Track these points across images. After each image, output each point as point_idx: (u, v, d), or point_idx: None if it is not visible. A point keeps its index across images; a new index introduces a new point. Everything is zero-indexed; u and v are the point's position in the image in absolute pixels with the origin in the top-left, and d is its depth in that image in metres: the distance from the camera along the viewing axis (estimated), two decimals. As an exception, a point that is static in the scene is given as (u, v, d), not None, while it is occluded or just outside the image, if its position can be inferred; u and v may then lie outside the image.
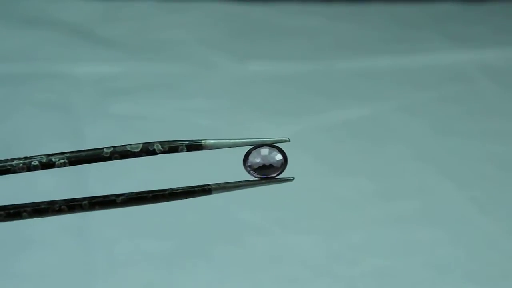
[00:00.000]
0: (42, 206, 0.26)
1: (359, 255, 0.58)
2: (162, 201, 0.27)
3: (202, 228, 0.60)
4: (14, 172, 0.26)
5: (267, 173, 0.26)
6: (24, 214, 0.26)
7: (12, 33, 0.88)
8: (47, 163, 0.26)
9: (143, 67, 0.84)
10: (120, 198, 0.26)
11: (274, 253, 0.58)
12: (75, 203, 0.26)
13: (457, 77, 0.85)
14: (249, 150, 0.26)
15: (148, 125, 0.74)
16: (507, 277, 0.57)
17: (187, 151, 0.26)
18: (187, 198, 0.27)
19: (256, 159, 0.26)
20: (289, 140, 0.26)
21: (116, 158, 0.26)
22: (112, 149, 0.26)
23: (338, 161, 0.70)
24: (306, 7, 0.99)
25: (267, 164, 0.26)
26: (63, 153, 0.26)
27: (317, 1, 1.00)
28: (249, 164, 0.26)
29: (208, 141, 0.26)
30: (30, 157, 0.26)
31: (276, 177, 0.26)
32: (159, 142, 0.26)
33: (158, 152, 0.26)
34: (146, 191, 0.26)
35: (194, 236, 0.59)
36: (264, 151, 0.26)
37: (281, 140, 0.26)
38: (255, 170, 0.26)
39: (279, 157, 0.26)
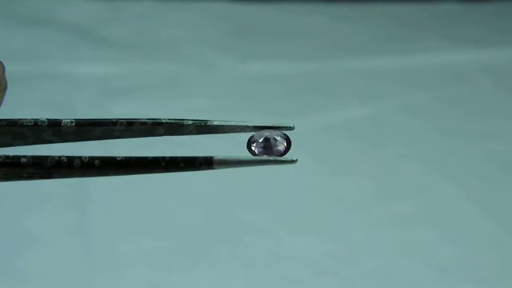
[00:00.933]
0: (41, 156, 0.26)
1: (359, 255, 0.58)
2: (161, 169, 0.26)
3: (202, 228, 0.60)
4: (22, 125, 0.26)
5: (271, 150, 0.26)
6: (23, 160, 0.25)
7: (14, 33, 0.88)
8: (54, 122, 0.26)
9: (144, 67, 0.84)
10: (121, 157, 0.26)
11: (274, 252, 0.58)
12: (75, 156, 0.26)
13: (457, 77, 0.85)
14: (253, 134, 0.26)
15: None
16: (507, 277, 0.57)
17: (194, 129, 0.26)
18: (188, 169, 0.26)
19: (260, 136, 0.26)
20: (294, 128, 0.26)
21: (122, 125, 0.26)
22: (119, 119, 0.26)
23: (338, 161, 0.70)
24: (306, 7, 0.99)
25: (271, 137, 0.26)
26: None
27: (318, 1, 1.00)
28: (253, 140, 0.26)
29: (214, 122, 0.26)
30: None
31: (280, 158, 0.26)
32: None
33: (164, 121, 0.26)
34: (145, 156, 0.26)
35: (194, 236, 0.59)
36: (268, 131, 0.26)
37: (286, 126, 0.26)
38: (259, 145, 0.26)
39: (282, 134, 0.26)
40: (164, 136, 0.26)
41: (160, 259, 0.56)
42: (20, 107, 0.78)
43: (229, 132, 0.26)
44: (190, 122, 0.26)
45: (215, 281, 0.55)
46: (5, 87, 0.22)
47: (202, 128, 0.26)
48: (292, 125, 0.26)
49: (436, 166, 0.69)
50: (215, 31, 0.93)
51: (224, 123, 0.26)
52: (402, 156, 0.71)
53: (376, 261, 0.57)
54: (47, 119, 0.26)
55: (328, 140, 0.72)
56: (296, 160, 0.26)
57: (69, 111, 0.74)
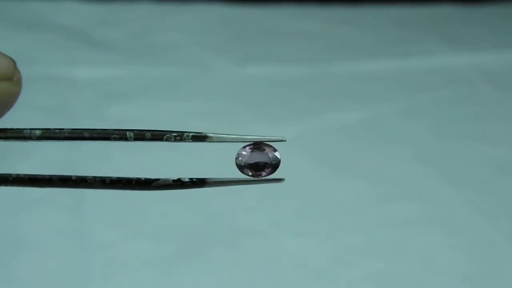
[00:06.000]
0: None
1: (357, 258, 0.58)
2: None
3: (199, 231, 0.60)
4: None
5: (258, 170, 0.26)
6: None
7: (10, 36, 0.88)
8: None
9: (140, 70, 0.84)
10: (103, 179, 0.26)
11: (272, 256, 0.58)
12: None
13: (455, 80, 0.85)
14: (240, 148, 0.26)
15: (146, 128, 0.73)
16: (505, 280, 0.57)
17: (192, 141, 0.26)
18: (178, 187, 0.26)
19: (246, 156, 0.26)
20: (285, 140, 0.26)
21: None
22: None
23: (336, 163, 0.70)
24: (304, 10, 0.99)
25: (259, 161, 0.26)
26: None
27: (315, 4, 1.00)
28: (238, 160, 0.26)
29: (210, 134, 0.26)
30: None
31: (267, 177, 0.26)
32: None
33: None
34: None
35: (191, 239, 0.59)
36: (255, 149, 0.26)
37: (277, 139, 0.26)
38: (247, 167, 0.26)
39: (270, 154, 0.26)
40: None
41: (157, 263, 0.56)
42: (16, 110, 0.78)
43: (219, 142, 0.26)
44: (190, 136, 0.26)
45: (212, 284, 0.55)
46: (19, 79, 0.24)
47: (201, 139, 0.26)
48: (284, 138, 0.26)
49: (434, 169, 0.69)
50: (212, 34, 0.93)
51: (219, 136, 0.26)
52: (399, 159, 0.71)
53: (374, 264, 0.57)
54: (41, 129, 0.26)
55: (325, 143, 0.72)
56: (283, 179, 0.26)
57: (65, 115, 0.74)
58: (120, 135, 0.26)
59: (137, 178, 0.26)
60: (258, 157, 0.26)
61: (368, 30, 0.95)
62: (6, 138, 0.26)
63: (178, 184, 0.26)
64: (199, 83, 0.82)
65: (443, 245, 0.60)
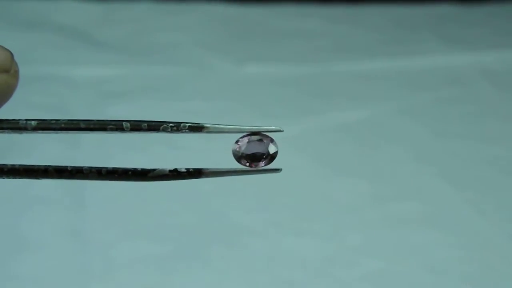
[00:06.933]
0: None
1: (357, 257, 0.58)
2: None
3: (199, 230, 0.60)
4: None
5: (256, 160, 0.26)
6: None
7: (10, 36, 0.88)
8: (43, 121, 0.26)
9: (140, 69, 0.84)
10: (99, 170, 0.26)
11: (271, 255, 0.58)
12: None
13: (455, 80, 0.85)
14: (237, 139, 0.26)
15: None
16: (504, 279, 0.57)
17: (189, 132, 0.26)
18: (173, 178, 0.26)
19: (242, 147, 0.26)
20: (283, 130, 0.26)
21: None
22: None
23: (336, 163, 0.70)
24: (303, 9, 0.99)
25: (254, 152, 0.26)
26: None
27: (315, 3, 1.00)
28: (236, 151, 0.26)
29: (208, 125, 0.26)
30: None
31: (264, 168, 0.26)
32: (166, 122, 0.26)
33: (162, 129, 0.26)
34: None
35: (191, 238, 0.59)
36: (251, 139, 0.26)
37: (274, 129, 0.26)
38: (244, 157, 0.26)
39: (267, 144, 0.26)
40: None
41: (157, 262, 0.56)
42: (15, 109, 0.78)
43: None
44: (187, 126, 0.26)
45: (212, 284, 0.55)
46: (16, 72, 0.24)
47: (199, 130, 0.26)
48: (281, 129, 0.26)
49: (434, 169, 0.69)
50: (212, 33, 0.93)
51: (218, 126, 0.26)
52: (399, 158, 0.71)
53: (373, 264, 0.57)
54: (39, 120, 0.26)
55: (325, 143, 0.72)
56: (281, 169, 0.26)
57: (65, 114, 0.74)
58: (116, 126, 0.26)
59: (133, 168, 0.26)
60: (255, 148, 0.26)
61: (368, 30, 0.95)
62: (2, 129, 0.26)
63: (175, 174, 0.26)
64: (199, 83, 0.82)
65: (442, 244, 0.60)
